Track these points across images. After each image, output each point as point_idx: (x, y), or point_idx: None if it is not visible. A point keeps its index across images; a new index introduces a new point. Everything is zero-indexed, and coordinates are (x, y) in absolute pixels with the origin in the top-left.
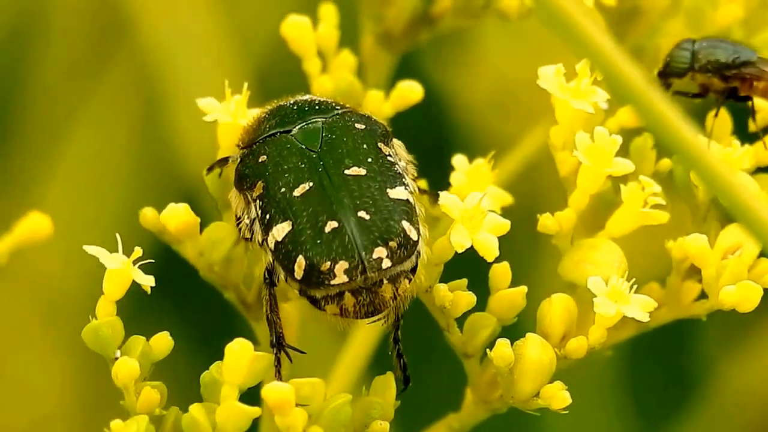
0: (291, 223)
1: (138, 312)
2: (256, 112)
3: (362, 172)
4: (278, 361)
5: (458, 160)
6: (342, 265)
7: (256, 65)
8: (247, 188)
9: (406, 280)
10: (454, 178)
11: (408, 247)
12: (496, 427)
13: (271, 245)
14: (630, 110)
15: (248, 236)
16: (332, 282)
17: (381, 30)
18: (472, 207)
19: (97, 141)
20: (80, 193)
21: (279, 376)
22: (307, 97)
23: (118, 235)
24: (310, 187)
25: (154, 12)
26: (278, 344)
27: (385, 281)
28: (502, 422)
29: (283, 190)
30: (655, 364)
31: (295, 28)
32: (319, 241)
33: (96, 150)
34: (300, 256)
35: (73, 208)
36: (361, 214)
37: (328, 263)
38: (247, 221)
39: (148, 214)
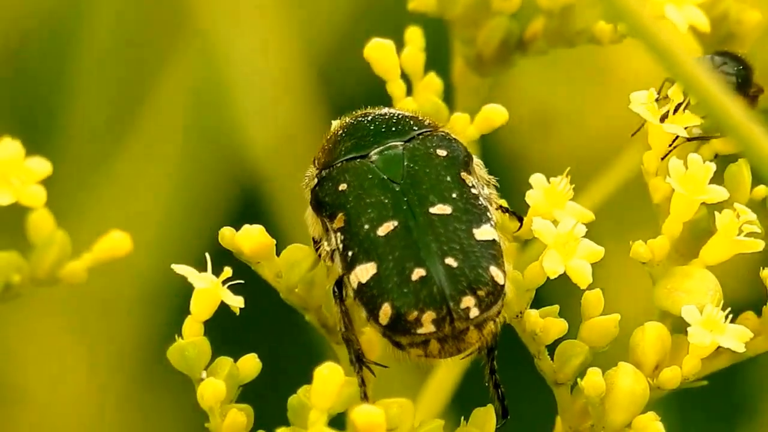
0: (376, 266)
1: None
2: (334, 126)
3: (447, 210)
4: (362, 379)
5: (536, 178)
6: (429, 315)
7: (320, 66)
8: (326, 216)
9: (492, 323)
10: (530, 196)
11: (495, 293)
12: None
13: (354, 284)
14: (726, 136)
15: (329, 264)
16: (419, 331)
17: (472, 53)
18: (566, 233)
19: (154, 143)
20: (135, 196)
21: (365, 395)
22: (384, 111)
23: (207, 255)
24: (395, 228)
25: (215, 9)
26: (359, 361)
27: (471, 327)
28: None
29: (366, 227)
30: (703, 404)
31: (378, 51)
32: (406, 290)
33: (151, 153)
34: (386, 304)
35: (128, 214)
36: (449, 261)
37: (416, 313)
38: (328, 249)
39: (225, 234)
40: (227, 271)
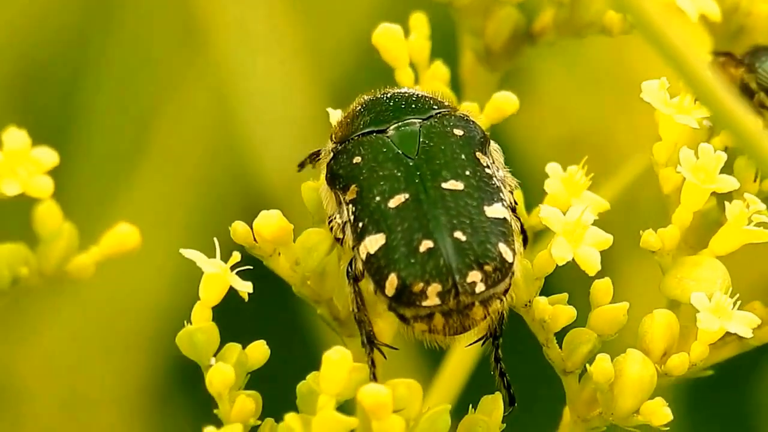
0: (385, 236)
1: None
2: (352, 105)
3: (459, 186)
4: (372, 361)
5: (552, 167)
6: (435, 288)
7: (332, 77)
8: (339, 189)
9: (498, 300)
10: (548, 185)
11: (503, 270)
12: None
13: (363, 255)
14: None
15: (340, 236)
16: (424, 303)
17: (481, 46)
18: (574, 220)
19: (169, 156)
20: (150, 209)
21: (374, 377)
22: (404, 90)
23: (215, 240)
24: (406, 200)
25: (228, 24)
26: (369, 343)
27: (477, 303)
28: None
29: (377, 199)
30: (714, 411)
31: (386, 38)
32: (413, 261)
33: (167, 167)
34: (392, 274)
35: (143, 225)
36: (458, 234)
37: (421, 284)
38: (339, 221)
39: (238, 228)
40: (236, 256)
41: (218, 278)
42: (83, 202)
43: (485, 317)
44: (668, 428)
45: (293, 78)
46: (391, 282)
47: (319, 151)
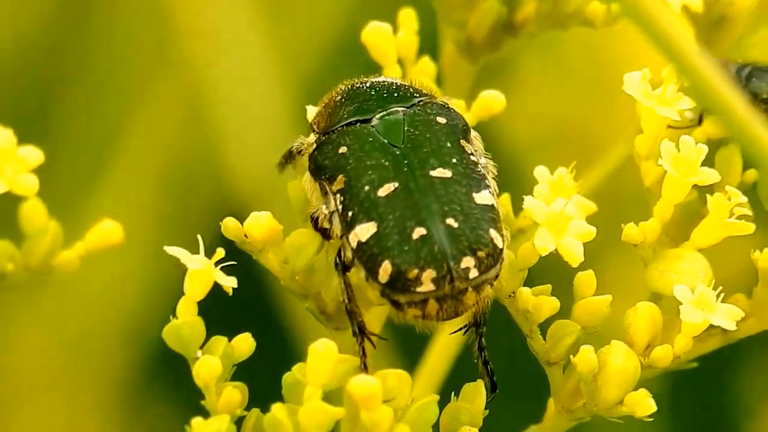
0: (376, 225)
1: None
2: (331, 93)
3: (448, 174)
4: (363, 350)
5: (540, 171)
6: (429, 274)
7: (303, 75)
8: (325, 179)
9: (489, 286)
10: (537, 190)
11: (495, 255)
12: None
13: (353, 244)
14: (715, 119)
15: (327, 226)
16: (418, 289)
17: (462, 37)
18: (557, 212)
19: (141, 155)
20: (122, 205)
21: (365, 366)
22: (382, 79)
23: (200, 237)
24: (396, 188)
25: (201, 24)
26: (361, 333)
27: (470, 289)
28: None
29: (367, 188)
30: (695, 406)
31: (375, 35)
32: (406, 248)
33: (139, 165)
34: (386, 261)
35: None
36: (450, 221)
37: (416, 271)
38: (326, 212)
39: (229, 224)
40: (220, 252)
41: (203, 274)
42: (55, 198)
43: (476, 303)
44: (652, 419)
45: (265, 77)
46: (385, 269)
47: (293, 147)
